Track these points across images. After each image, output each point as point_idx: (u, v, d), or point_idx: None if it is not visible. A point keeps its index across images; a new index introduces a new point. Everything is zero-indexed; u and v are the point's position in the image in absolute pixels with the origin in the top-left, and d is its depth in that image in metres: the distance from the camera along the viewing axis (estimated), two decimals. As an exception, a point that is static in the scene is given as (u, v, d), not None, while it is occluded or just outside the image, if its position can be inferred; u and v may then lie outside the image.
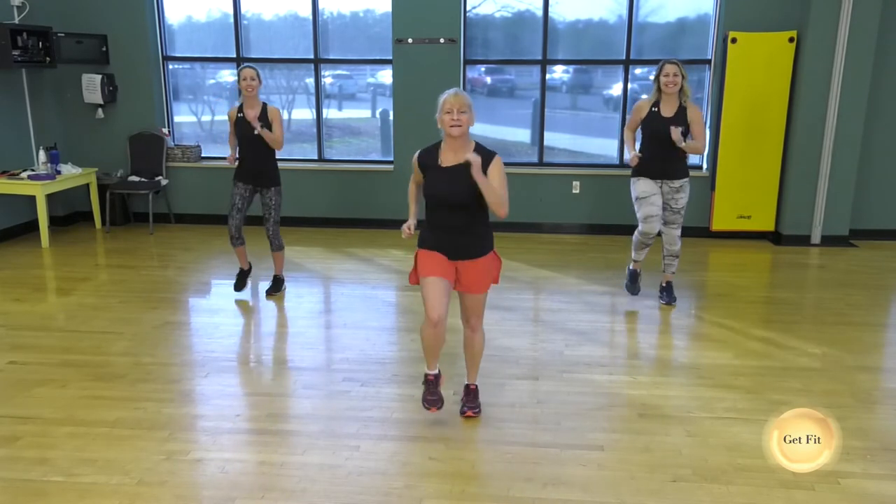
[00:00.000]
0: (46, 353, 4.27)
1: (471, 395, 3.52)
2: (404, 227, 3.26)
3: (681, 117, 4.70)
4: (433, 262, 3.24)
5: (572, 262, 6.30)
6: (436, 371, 3.42)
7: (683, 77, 4.67)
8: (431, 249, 3.26)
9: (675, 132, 4.60)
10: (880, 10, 6.36)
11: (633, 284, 5.19)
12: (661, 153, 4.75)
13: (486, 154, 3.20)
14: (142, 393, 3.74)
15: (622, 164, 7.17)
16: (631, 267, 5.21)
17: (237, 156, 5.07)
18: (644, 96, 5.11)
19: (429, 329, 3.23)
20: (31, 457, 3.13)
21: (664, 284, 5.19)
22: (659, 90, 4.73)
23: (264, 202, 5.08)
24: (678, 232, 4.98)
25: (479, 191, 3.11)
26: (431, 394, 3.40)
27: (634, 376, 4.02)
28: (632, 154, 4.83)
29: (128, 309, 5.03)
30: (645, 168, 4.83)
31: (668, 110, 4.73)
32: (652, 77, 4.93)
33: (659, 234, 4.98)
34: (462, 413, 3.47)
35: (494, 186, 3.11)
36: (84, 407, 3.58)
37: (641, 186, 4.86)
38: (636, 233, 4.99)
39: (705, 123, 7.12)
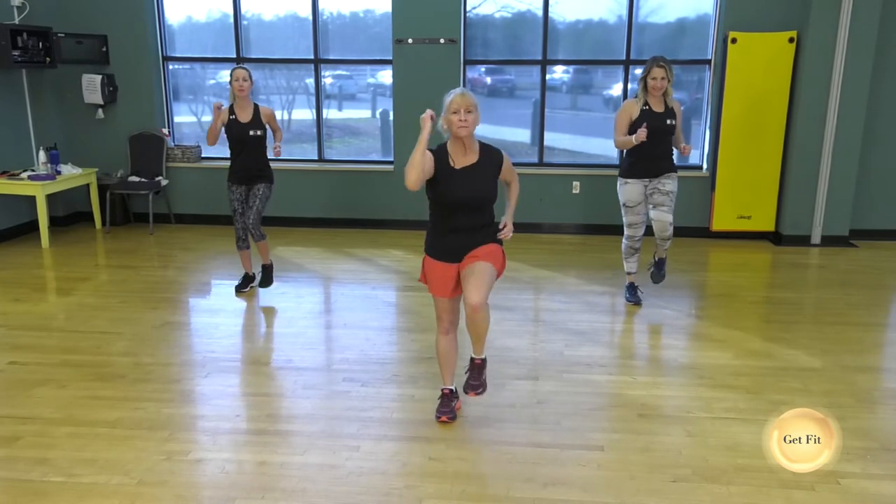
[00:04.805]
0: (46, 353, 4.27)
1: (475, 371, 3.36)
2: (427, 115, 3.12)
3: (671, 112, 4.79)
4: (442, 281, 3.27)
5: (572, 262, 6.30)
6: (452, 386, 3.45)
7: (669, 81, 4.71)
8: (439, 258, 3.26)
9: (686, 149, 4.87)
10: (880, 10, 6.36)
11: (633, 295, 5.17)
12: (651, 151, 4.76)
13: (494, 153, 3.24)
14: (142, 393, 3.74)
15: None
16: (627, 282, 5.22)
17: (228, 150, 5.06)
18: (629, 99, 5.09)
19: (441, 338, 3.37)
20: (31, 457, 3.12)
21: (656, 259, 5.16)
22: (645, 90, 4.76)
23: (253, 193, 5.07)
24: (670, 217, 4.86)
25: (494, 189, 3.24)
26: (444, 406, 3.43)
27: (634, 376, 4.02)
28: (636, 134, 4.61)
29: (128, 309, 5.03)
30: (635, 168, 4.86)
31: (658, 107, 4.77)
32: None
33: (648, 234, 5.03)
34: (465, 391, 3.40)
35: (513, 204, 3.42)
36: (84, 407, 3.58)
37: (628, 194, 4.91)
38: (623, 239, 5.07)
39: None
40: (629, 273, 5.18)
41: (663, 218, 4.87)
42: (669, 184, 4.88)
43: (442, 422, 3.40)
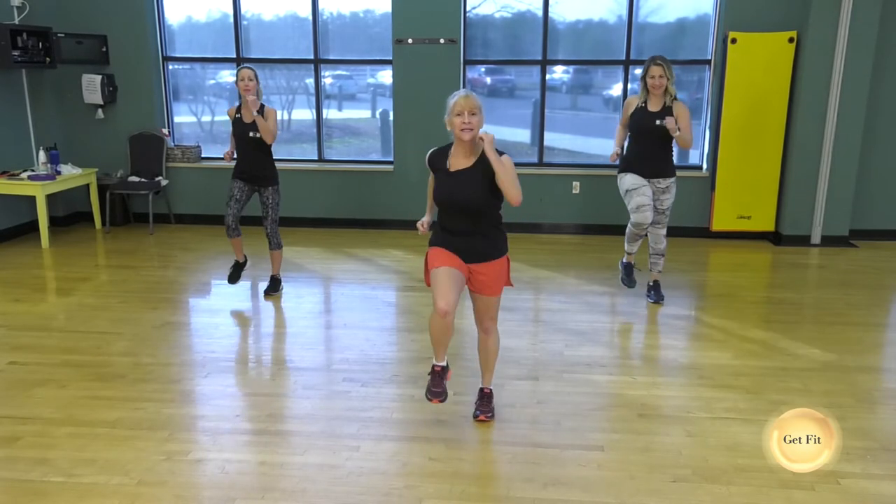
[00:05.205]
0: (46, 353, 4.27)
1: (485, 400, 3.48)
2: (419, 223, 3.34)
3: (667, 112, 4.72)
4: (443, 254, 3.20)
5: (572, 263, 6.30)
6: (443, 363, 3.34)
7: (669, 79, 4.68)
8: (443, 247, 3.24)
9: (670, 121, 4.60)
10: (880, 10, 6.36)
11: (629, 277, 5.19)
12: (649, 150, 4.78)
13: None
14: (142, 393, 3.74)
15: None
16: (625, 260, 5.21)
17: (234, 155, 5.08)
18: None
19: (437, 319, 3.14)
20: (31, 457, 3.13)
21: (651, 283, 5.20)
22: (646, 89, 4.76)
23: (262, 201, 5.08)
24: (664, 231, 5.01)
25: (486, 195, 3.11)
26: (436, 385, 3.30)
27: (634, 376, 4.02)
28: (614, 150, 4.95)
29: (128, 309, 5.03)
30: (633, 166, 4.86)
31: (654, 106, 4.76)
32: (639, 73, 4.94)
33: (645, 234, 5.02)
34: (475, 417, 3.45)
35: (508, 168, 3.08)
36: (84, 407, 3.58)
37: (630, 179, 4.87)
38: (629, 225, 4.98)
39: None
40: (629, 253, 5.13)
41: (658, 232, 5.00)
42: (667, 200, 4.89)
43: (433, 403, 3.30)
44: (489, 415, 3.44)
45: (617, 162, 5.01)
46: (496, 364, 3.53)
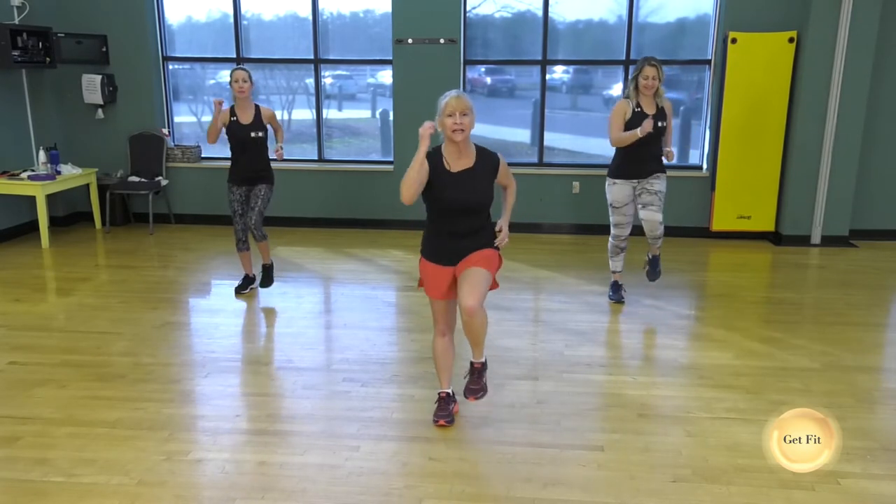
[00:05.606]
0: (46, 353, 4.27)
1: (475, 375, 3.35)
2: (427, 127, 3.00)
3: (661, 113, 4.78)
4: (436, 283, 3.25)
5: (572, 262, 6.30)
6: (449, 390, 3.43)
7: (660, 81, 4.71)
8: (433, 260, 3.24)
9: (670, 154, 4.82)
10: (880, 10, 6.36)
11: (616, 293, 5.21)
12: (640, 152, 4.78)
13: (490, 156, 3.21)
14: (142, 393, 3.74)
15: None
16: (612, 280, 5.25)
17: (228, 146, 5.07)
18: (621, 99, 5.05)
19: (438, 339, 3.35)
20: (31, 457, 3.13)
21: (650, 258, 5.18)
22: (637, 90, 4.75)
23: (255, 193, 5.06)
24: (660, 216, 4.88)
25: (489, 194, 3.19)
26: (442, 410, 3.41)
27: (634, 376, 4.02)
28: (641, 126, 4.55)
29: (128, 309, 5.03)
30: (623, 169, 4.88)
31: (650, 108, 4.77)
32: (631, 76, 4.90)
33: (640, 234, 5.03)
34: (465, 396, 3.39)
35: (509, 209, 3.41)
36: (84, 407, 3.58)
37: (615, 194, 4.94)
38: (609, 238, 5.12)
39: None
40: (614, 272, 5.21)
41: (653, 217, 4.89)
42: (658, 183, 4.89)
43: (440, 426, 3.38)
44: (479, 393, 3.35)
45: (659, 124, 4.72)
46: (486, 339, 3.31)
